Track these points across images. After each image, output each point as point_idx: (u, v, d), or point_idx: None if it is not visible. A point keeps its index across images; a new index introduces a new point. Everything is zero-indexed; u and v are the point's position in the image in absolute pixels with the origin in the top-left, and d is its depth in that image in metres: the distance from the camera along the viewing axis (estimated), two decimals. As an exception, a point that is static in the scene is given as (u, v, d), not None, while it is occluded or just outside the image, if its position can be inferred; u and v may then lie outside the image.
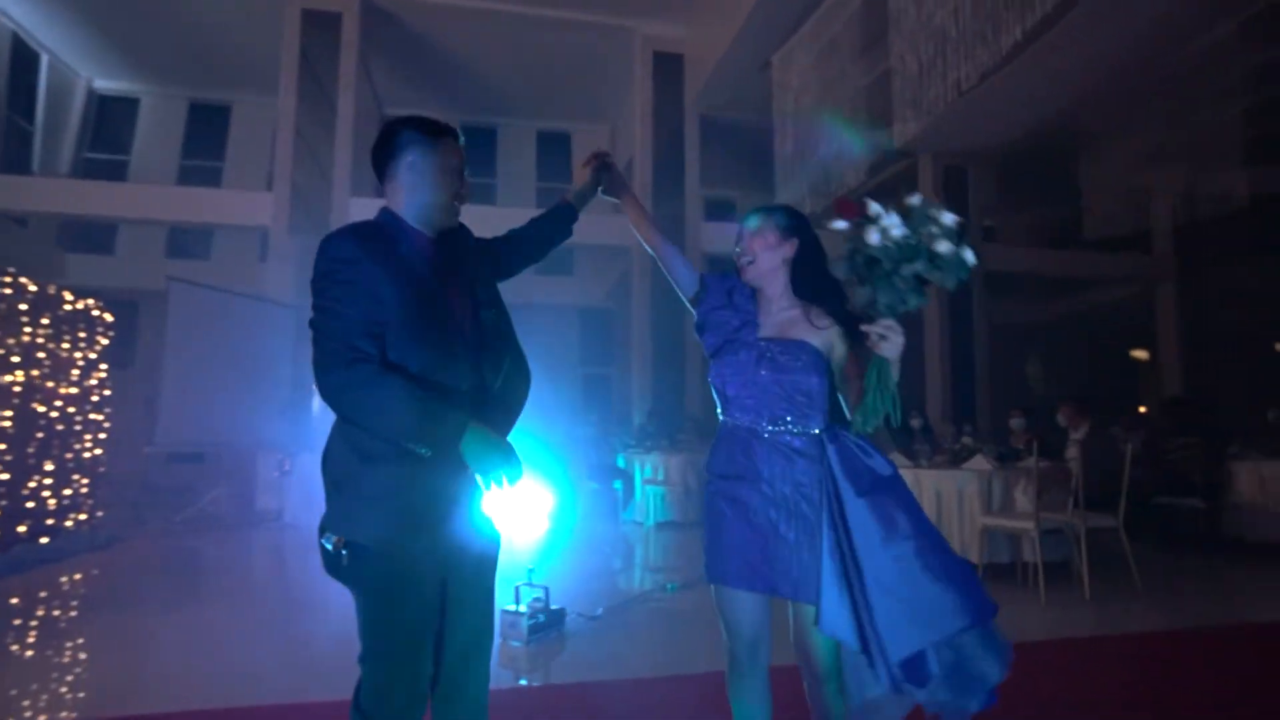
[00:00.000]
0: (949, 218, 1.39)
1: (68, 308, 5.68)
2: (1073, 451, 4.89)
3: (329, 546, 1.28)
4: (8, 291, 5.08)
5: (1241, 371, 10.41)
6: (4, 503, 4.90)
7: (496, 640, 1.75)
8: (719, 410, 1.71)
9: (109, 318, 6.17)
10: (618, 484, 7.40)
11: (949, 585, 1.45)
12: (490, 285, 1.52)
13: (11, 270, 5.16)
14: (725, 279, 1.77)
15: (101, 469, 6.05)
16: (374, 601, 1.30)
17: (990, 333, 10.13)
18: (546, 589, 3.48)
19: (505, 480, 1.29)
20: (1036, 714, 2.44)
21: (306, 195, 9.31)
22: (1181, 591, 4.32)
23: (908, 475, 4.42)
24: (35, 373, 5.29)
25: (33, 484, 5.24)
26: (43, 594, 4.31)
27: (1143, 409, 10.81)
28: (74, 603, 4.25)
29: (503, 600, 2.44)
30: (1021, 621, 3.67)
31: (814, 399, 1.59)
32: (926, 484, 4.59)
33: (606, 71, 11.22)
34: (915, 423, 7.56)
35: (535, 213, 1.83)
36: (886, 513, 1.49)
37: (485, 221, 1.92)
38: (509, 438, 1.39)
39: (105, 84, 12.15)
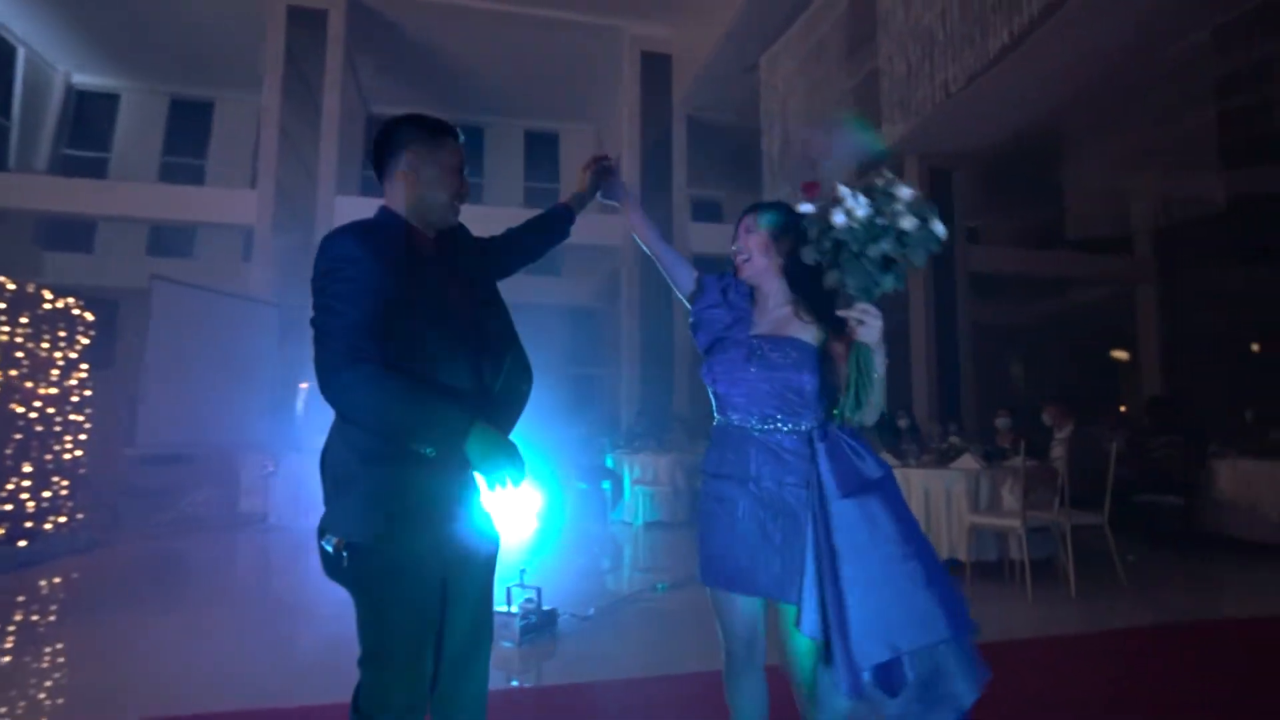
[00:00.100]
0: (906, 192, 1.35)
1: (47, 306, 5.57)
2: (1058, 451, 4.95)
3: (329, 548, 1.27)
4: (-15, 290, 4.99)
5: (1219, 371, 10.59)
6: (-19, 505, 4.82)
7: (492, 641, 1.73)
8: (714, 409, 1.71)
9: (89, 317, 6.06)
10: (606, 484, 7.39)
11: (931, 594, 1.42)
12: (490, 284, 1.51)
13: (-12, 268, 5.06)
14: (722, 278, 1.76)
15: (81, 470, 5.95)
16: (374, 603, 1.28)
17: (974, 333, 10.23)
18: (539, 590, 3.46)
19: (509, 481, 1.28)
20: (1024, 709, 2.47)
21: (291, 193, 9.21)
22: (1164, 588, 4.39)
23: (896, 474, 4.45)
24: (14, 373, 5.20)
25: (11, 486, 5.15)
26: (20, 598, 4.22)
27: (1123, 408, 10.96)
28: (53, 607, 4.17)
29: (495, 601, 2.42)
30: (1009, 618, 3.72)
31: (805, 396, 1.56)
32: (915, 483, 4.62)
33: (594, 71, 11.21)
34: (902, 422, 7.62)
35: (523, 212, 1.83)
36: (871, 515, 1.46)
37: (471, 221, 1.91)
38: (510, 438, 1.37)
39: (84, 79, 11.94)
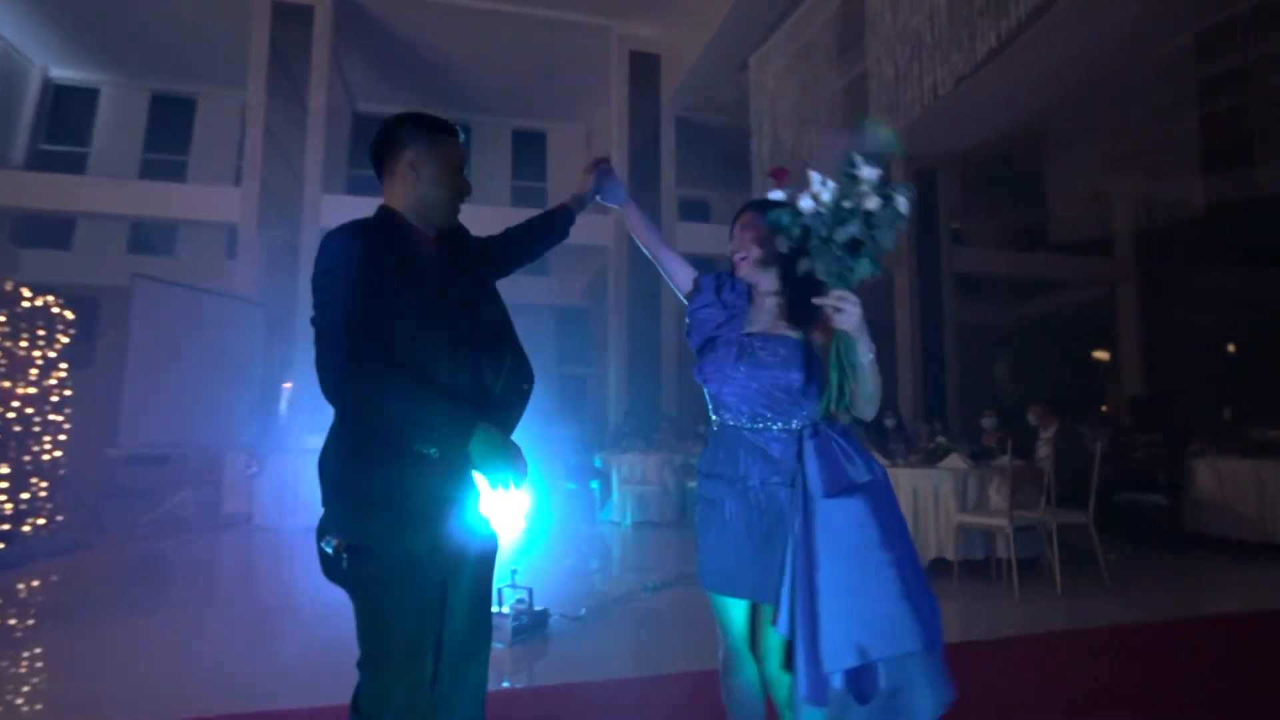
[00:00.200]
0: (870, 172, 1.35)
1: (25, 304, 5.47)
2: (1043, 450, 5.01)
3: (329, 550, 1.26)
4: (-39, 287, 4.88)
5: (1199, 372, 10.77)
6: (-43, 507, 4.71)
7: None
8: (709, 410, 1.70)
9: (69, 315, 5.96)
10: (595, 484, 7.38)
11: (906, 605, 1.39)
12: (490, 284, 1.50)
13: (-36, 265, 4.96)
14: (718, 277, 1.75)
15: (61, 471, 5.85)
16: (374, 605, 1.27)
17: (959, 333, 10.33)
18: (531, 590, 3.45)
19: (512, 482, 1.27)
20: (1011, 707, 2.49)
21: (276, 191, 9.10)
22: (1148, 586, 4.45)
23: (885, 474, 4.47)
24: (-10, 372, 5.09)
25: (-13, 487, 5.04)
26: (-1, 602, 4.15)
27: (1105, 408, 11.11)
28: (32, 611, 4.09)
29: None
30: (996, 616, 3.76)
31: (794, 394, 1.54)
32: (903, 482, 4.66)
33: (583, 71, 11.17)
34: (889, 422, 7.67)
35: (510, 211, 1.83)
36: (856, 518, 1.43)
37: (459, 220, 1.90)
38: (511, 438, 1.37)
39: (62, 73, 11.72)
